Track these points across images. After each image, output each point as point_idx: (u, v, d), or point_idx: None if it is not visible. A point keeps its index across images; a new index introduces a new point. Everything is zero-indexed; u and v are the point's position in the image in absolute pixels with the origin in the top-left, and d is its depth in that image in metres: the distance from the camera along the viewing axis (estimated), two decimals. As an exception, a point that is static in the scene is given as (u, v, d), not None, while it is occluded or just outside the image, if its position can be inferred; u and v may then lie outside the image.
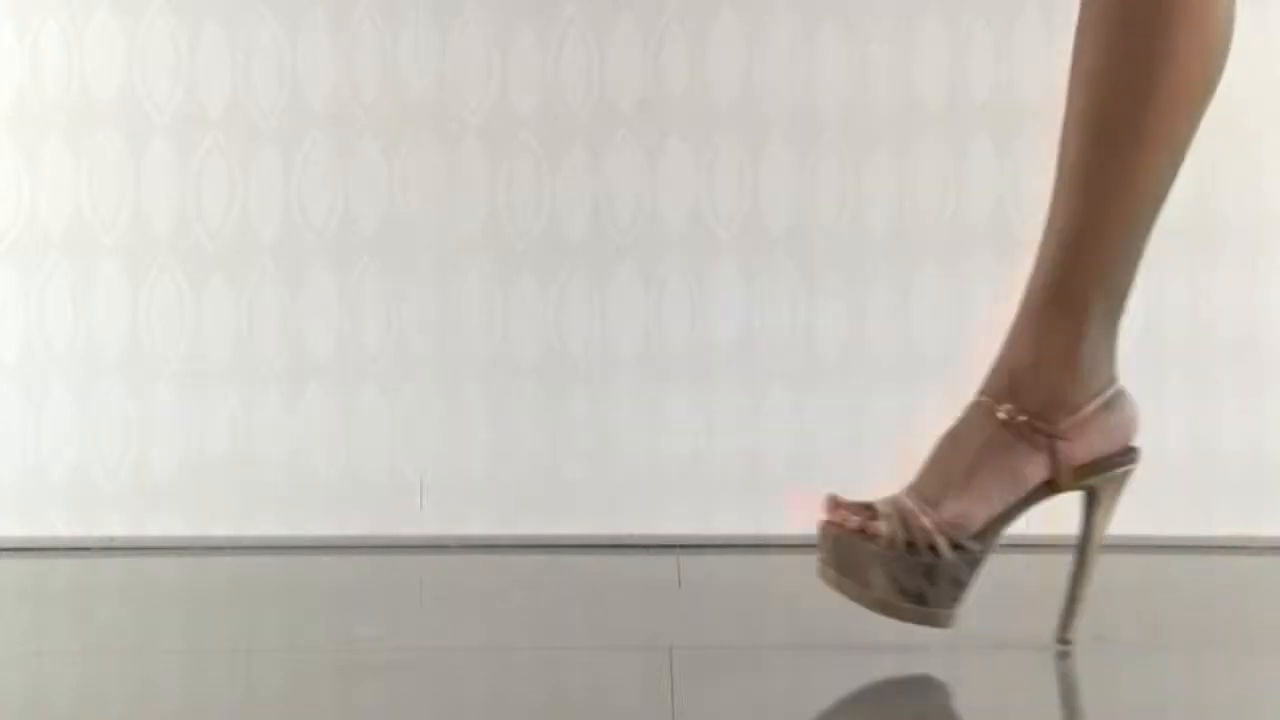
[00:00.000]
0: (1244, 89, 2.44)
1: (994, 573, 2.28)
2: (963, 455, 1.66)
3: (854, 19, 2.43)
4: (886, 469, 2.44)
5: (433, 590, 2.15)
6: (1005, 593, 2.13)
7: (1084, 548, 1.71)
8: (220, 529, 2.37)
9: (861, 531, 1.66)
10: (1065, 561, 2.34)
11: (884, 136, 2.45)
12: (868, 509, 1.68)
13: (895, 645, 1.77)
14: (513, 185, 2.42)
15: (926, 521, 1.64)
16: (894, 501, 1.66)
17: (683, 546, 2.02)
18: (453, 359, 2.43)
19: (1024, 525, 2.44)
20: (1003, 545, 2.39)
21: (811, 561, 2.34)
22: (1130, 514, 2.43)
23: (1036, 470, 1.67)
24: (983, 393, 1.68)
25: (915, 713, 1.57)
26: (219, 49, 2.41)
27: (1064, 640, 1.69)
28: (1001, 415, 1.66)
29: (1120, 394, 1.71)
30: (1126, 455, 1.72)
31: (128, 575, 2.24)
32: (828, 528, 1.67)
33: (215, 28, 2.41)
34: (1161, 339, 2.44)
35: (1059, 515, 2.44)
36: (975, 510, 1.66)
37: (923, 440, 2.44)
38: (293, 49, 2.42)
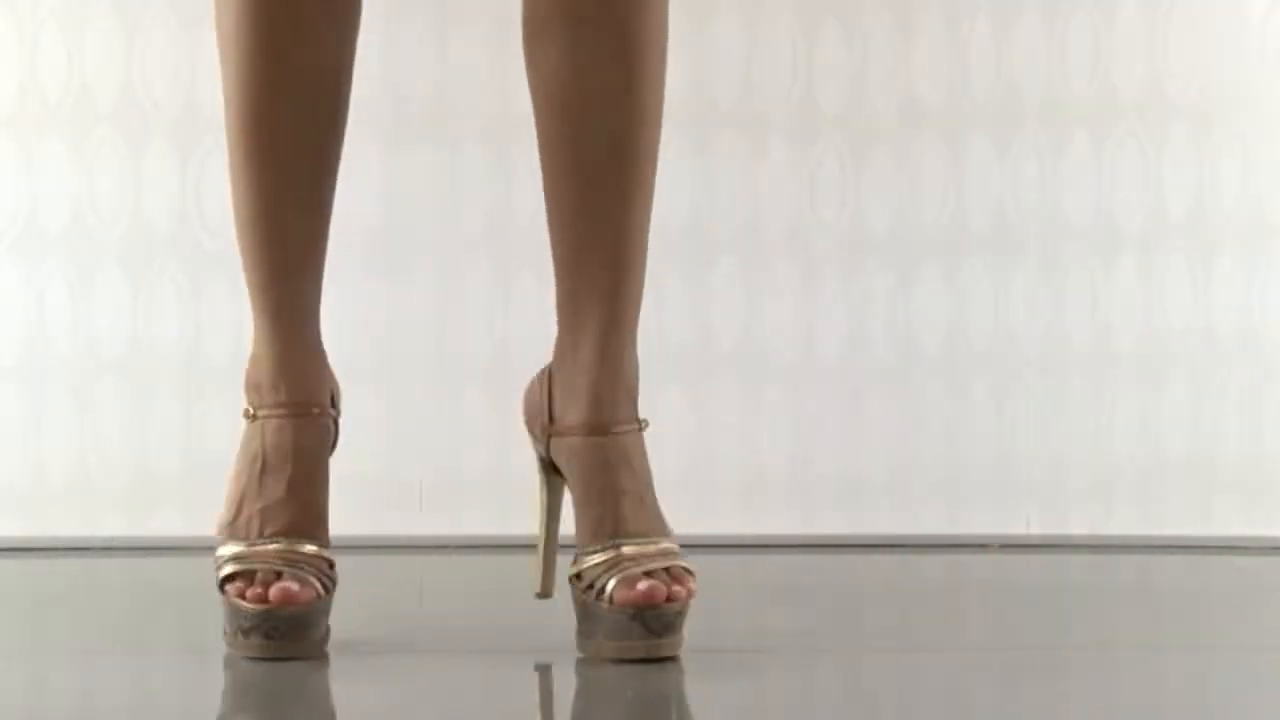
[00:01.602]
0: (1243, 90, 2.45)
1: (992, 572, 2.28)
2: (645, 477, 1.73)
3: (854, 19, 2.43)
4: (886, 468, 2.45)
5: (433, 590, 2.15)
6: (1006, 593, 2.13)
7: None
8: (220, 529, 2.37)
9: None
10: (1066, 562, 2.36)
11: (884, 136, 2.45)
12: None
13: (895, 647, 1.77)
14: (513, 185, 2.42)
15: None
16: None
17: (682, 546, 2.02)
18: (453, 359, 2.43)
19: (1024, 526, 2.45)
20: (1004, 546, 2.41)
21: (812, 562, 2.35)
22: (1130, 514, 2.45)
23: None
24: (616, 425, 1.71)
25: (914, 713, 1.57)
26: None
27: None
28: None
29: None
30: None
31: (128, 575, 2.24)
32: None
33: (215, 28, 2.40)
34: (1161, 339, 2.44)
35: (1059, 515, 2.45)
36: None
37: (922, 439, 2.45)
38: (293, 49, 2.42)
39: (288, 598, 1.65)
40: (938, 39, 2.43)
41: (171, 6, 2.40)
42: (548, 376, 1.77)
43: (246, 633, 1.64)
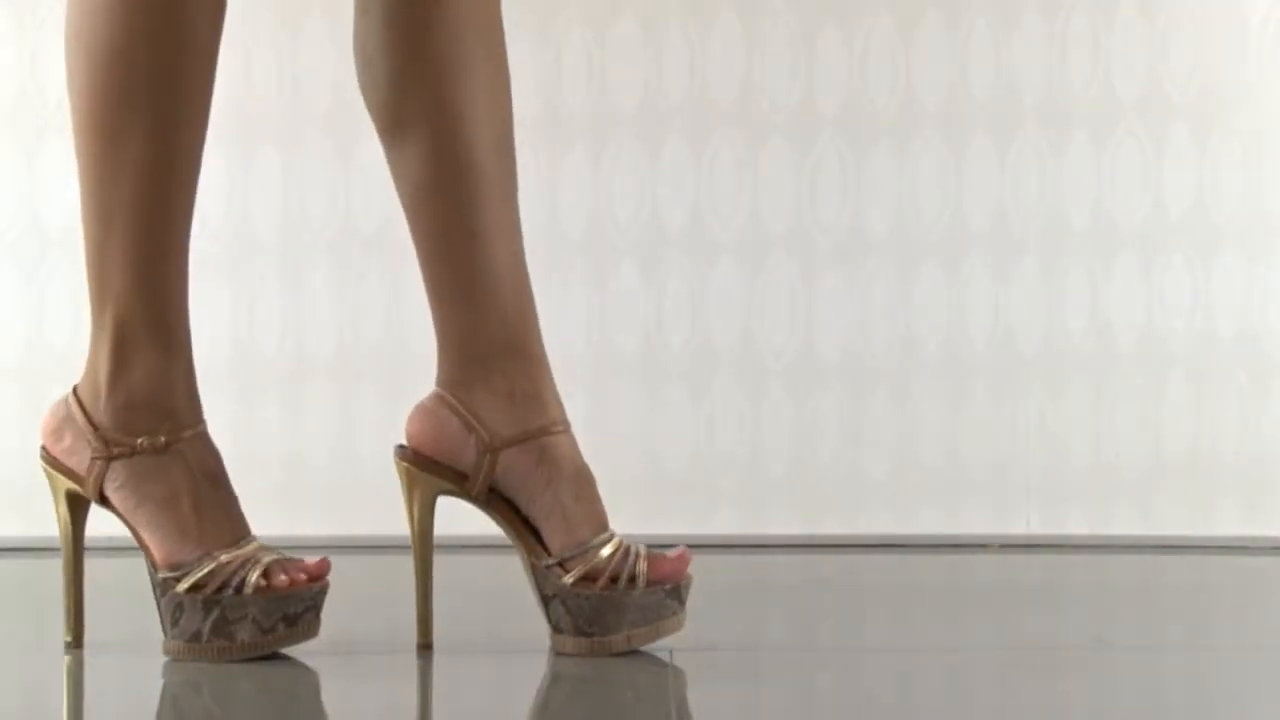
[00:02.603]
0: (1243, 90, 2.45)
1: (992, 572, 2.28)
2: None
3: (854, 19, 2.43)
4: (886, 468, 2.45)
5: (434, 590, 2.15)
6: (1006, 593, 2.13)
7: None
8: (220, 529, 2.37)
9: None
10: (1066, 562, 2.36)
11: (884, 136, 2.45)
12: None
13: (895, 647, 1.77)
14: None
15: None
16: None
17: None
18: (453, 359, 2.43)
19: (1024, 526, 2.45)
20: (1003, 546, 2.41)
21: (812, 562, 2.35)
22: (1130, 514, 2.45)
23: None
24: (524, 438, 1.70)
25: (909, 711, 1.57)
26: (218, 49, 2.40)
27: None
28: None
29: None
30: None
31: (130, 575, 2.23)
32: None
33: (215, 28, 2.40)
34: (1162, 339, 2.44)
35: (1059, 515, 2.45)
36: None
37: (922, 439, 2.45)
38: (293, 49, 2.42)
39: (328, 565, 1.66)
40: (938, 39, 2.43)
41: (171, 6, 2.40)
42: (451, 400, 1.72)
43: (294, 619, 1.64)
